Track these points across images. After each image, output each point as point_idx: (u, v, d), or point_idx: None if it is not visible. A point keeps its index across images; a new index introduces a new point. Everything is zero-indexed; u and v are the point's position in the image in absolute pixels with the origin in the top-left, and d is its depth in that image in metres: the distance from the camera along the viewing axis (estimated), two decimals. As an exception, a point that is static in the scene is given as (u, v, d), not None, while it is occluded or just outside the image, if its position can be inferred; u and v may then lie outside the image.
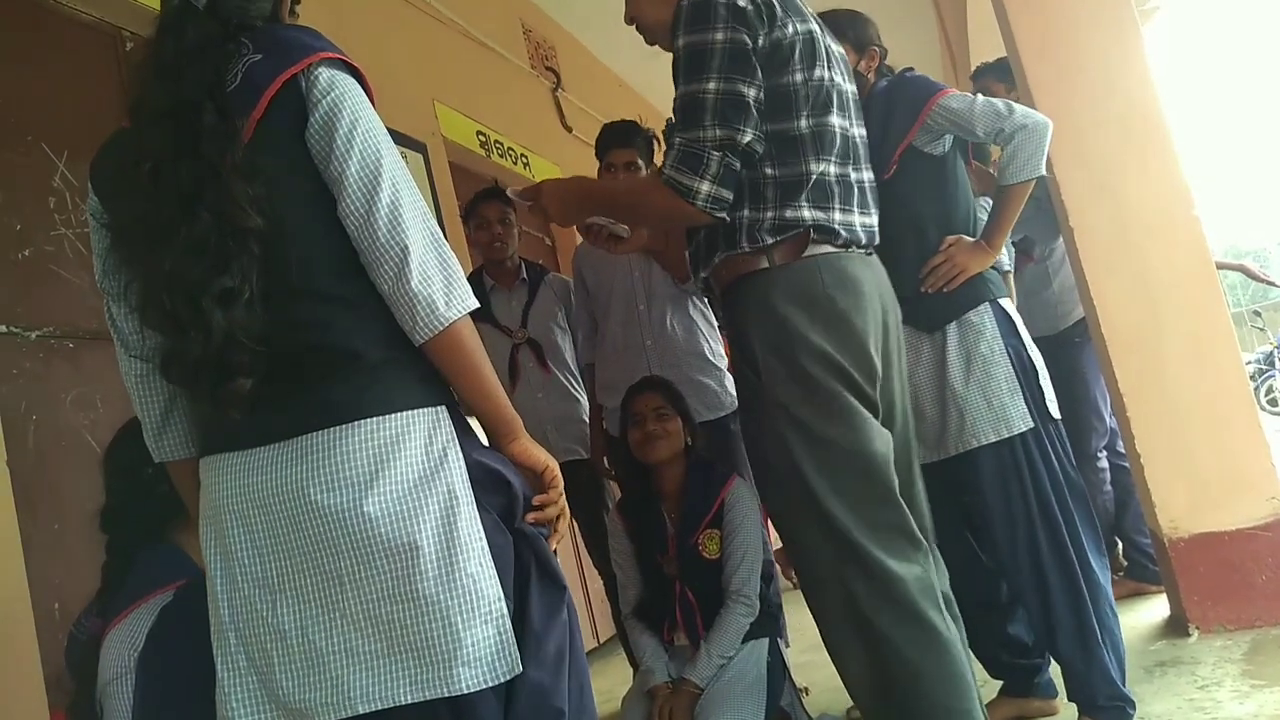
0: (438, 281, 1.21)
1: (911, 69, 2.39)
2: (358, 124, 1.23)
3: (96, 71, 2.76)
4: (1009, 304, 2.31)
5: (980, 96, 2.24)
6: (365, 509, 1.17)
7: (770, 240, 1.62)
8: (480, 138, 4.67)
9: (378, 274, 1.21)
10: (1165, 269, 2.91)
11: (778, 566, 2.93)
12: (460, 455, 1.24)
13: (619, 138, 3.05)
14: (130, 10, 2.82)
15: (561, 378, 3.29)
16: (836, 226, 1.65)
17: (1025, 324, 2.25)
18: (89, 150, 2.54)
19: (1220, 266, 4.69)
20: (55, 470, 2.26)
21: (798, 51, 1.59)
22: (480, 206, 3.25)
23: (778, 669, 2.50)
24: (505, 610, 1.21)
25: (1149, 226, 2.93)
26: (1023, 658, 2.34)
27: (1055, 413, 2.25)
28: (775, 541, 3.44)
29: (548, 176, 5.30)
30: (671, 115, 1.65)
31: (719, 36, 1.55)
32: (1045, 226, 3.35)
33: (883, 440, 1.60)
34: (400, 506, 1.18)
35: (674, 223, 1.80)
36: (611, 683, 3.50)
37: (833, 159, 1.66)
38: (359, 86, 1.28)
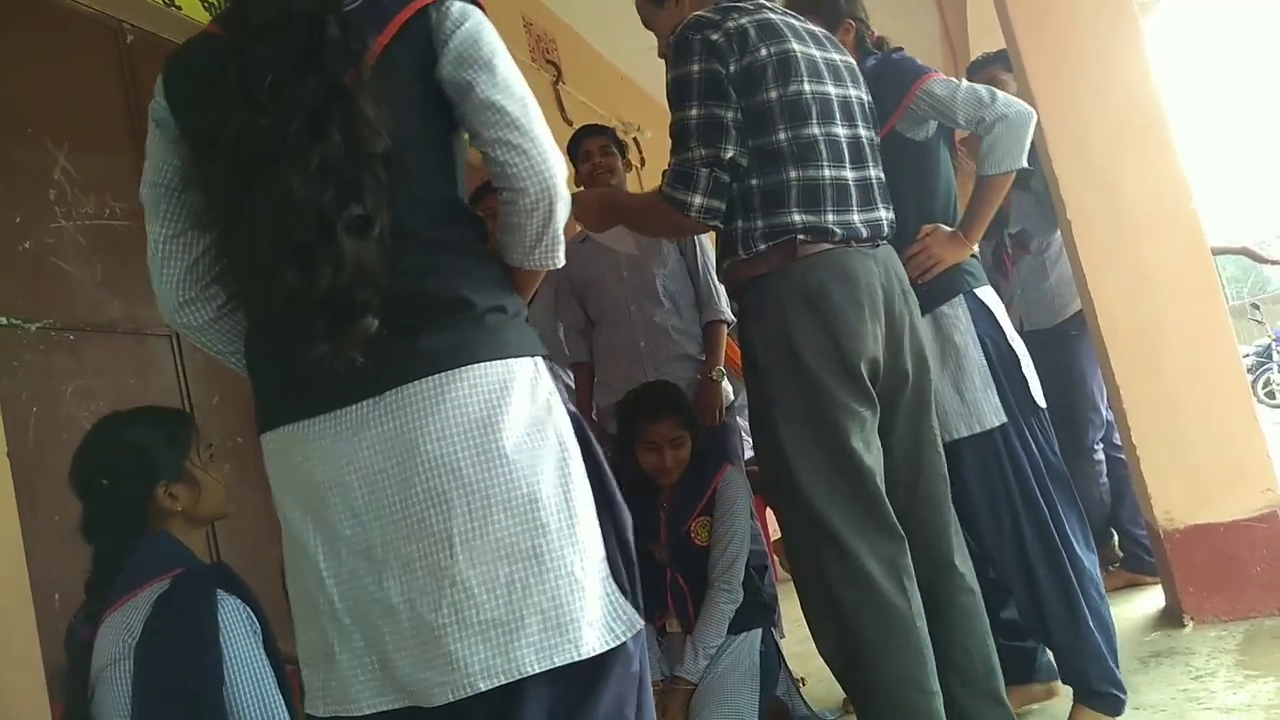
0: (564, 224, 1.25)
1: (900, 49, 2.34)
2: (497, 53, 1.21)
3: (98, 64, 2.76)
4: (988, 293, 2.27)
5: (964, 82, 2.19)
6: (503, 447, 1.12)
7: (763, 246, 1.76)
8: (480, 130, 4.64)
9: (524, 204, 1.20)
10: (1163, 262, 2.91)
11: (775, 557, 2.94)
12: (562, 404, 1.22)
13: (590, 129, 3.25)
14: (132, 3, 2.82)
15: (558, 372, 3.30)
16: (831, 226, 1.76)
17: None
18: (90, 143, 2.58)
19: (1222, 251, 4.68)
20: (55, 461, 2.26)
21: (770, 71, 1.74)
22: (487, 198, 3.25)
23: (773, 659, 2.52)
24: (608, 570, 1.17)
25: (1147, 219, 2.93)
26: (1017, 640, 2.32)
27: (1040, 401, 2.23)
28: (774, 533, 3.45)
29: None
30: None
31: (695, 68, 1.74)
32: (1043, 219, 3.35)
33: (863, 437, 1.72)
34: (519, 454, 1.13)
35: (678, 233, 2.03)
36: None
37: (822, 164, 1.77)
38: (489, 21, 1.24)
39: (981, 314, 2.22)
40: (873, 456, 1.73)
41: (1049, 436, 2.25)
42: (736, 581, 2.50)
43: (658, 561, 2.59)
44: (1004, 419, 2.16)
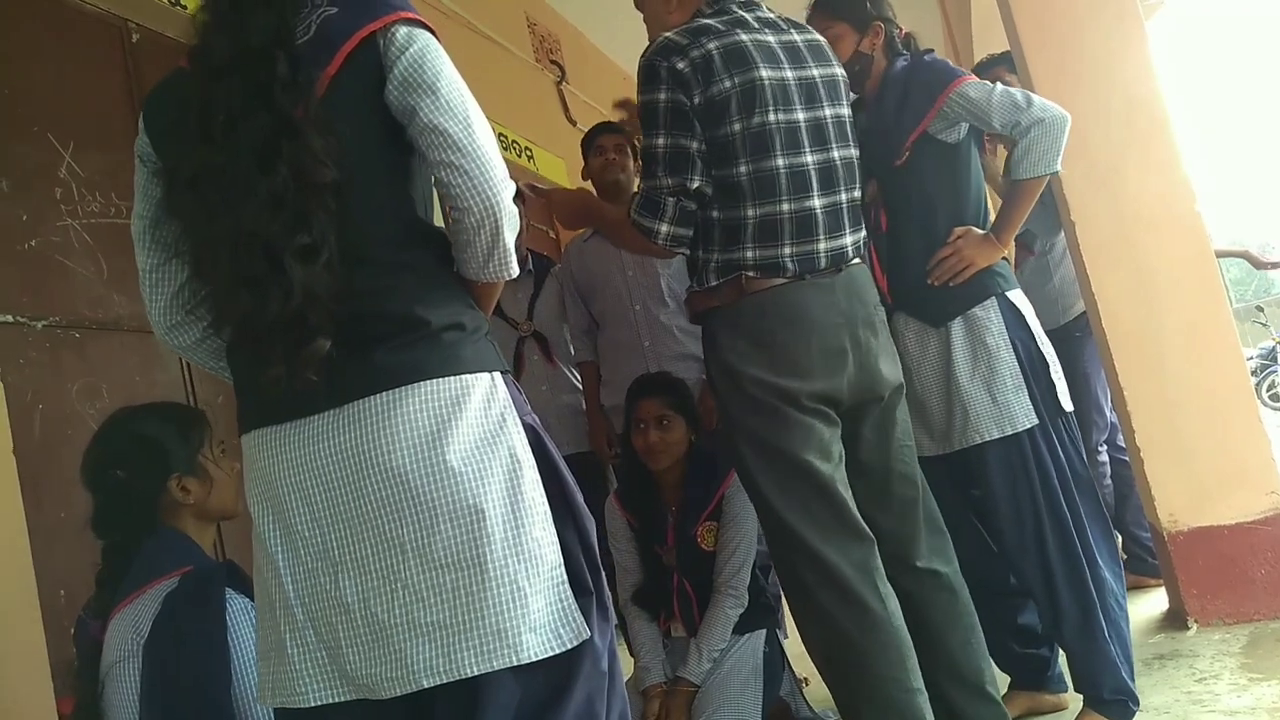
0: (513, 239, 1.28)
1: (931, 50, 2.34)
2: (440, 75, 1.22)
3: (103, 63, 2.77)
4: (1019, 296, 2.27)
5: (999, 86, 2.17)
6: (448, 460, 1.16)
7: (715, 281, 1.81)
8: (484, 130, 4.65)
9: (470, 222, 1.23)
10: (1166, 263, 2.91)
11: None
12: (518, 419, 1.25)
13: (608, 125, 3.27)
14: (136, 2, 2.83)
15: (565, 370, 3.30)
16: (785, 261, 1.78)
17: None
18: (95, 141, 2.59)
19: (1222, 254, 4.68)
20: (61, 458, 2.28)
21: (733, 104, 1.74)
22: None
23: (776, 660, 2.52)
24: (564, 576, 1.21)
25: (1150, 221, 2.93)
26: (1032, 647, 2.33)
27: (1067, 405, 2.23)
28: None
29: (552, 170, 5.32)
30: None
31: (662, 97, 1.75)
32: (1046, 221, 3.35)
33: (819, 448, 1.75)
34: (465, 467, 1.17)
35: (648, 254, 2.03)
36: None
37: (782, 198, 1.77)
38: (438, 42, 1.26)
39: (1012, 317, 2.22)
40: (832, 465, 1.76)
41: (1076, 442, 2.24)
42: (742, 587, 2.50)
43: (665, 566, 2.59)
44: (1035, 421, 2.16)
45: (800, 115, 1.81)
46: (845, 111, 1.91)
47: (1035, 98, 2.16)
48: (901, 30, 2.36)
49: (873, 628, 1.69)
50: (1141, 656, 2.60)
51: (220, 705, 1.48)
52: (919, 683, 1.70)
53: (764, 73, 1.76)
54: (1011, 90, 2.16)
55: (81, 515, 1.68)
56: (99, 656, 1.57)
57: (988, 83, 2.20)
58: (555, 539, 1.22)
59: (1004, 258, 2.28)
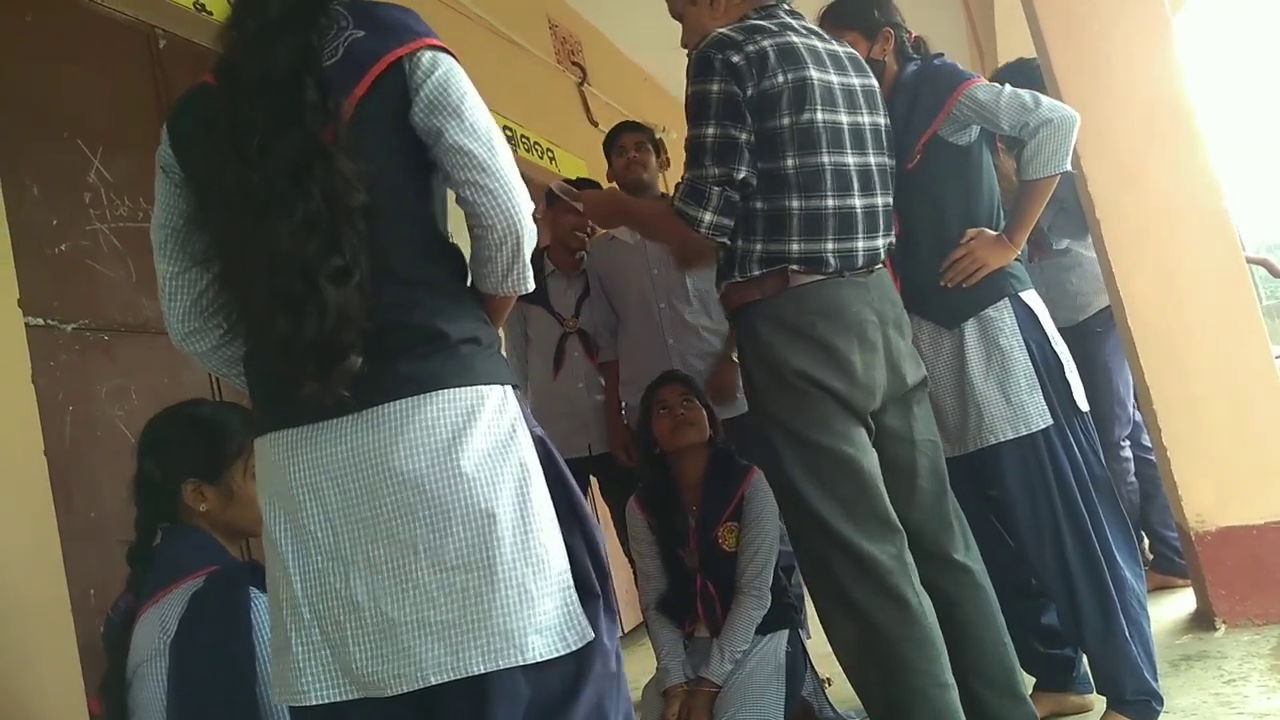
0: (530, 254, 1.33)
1: (942, 55, 2.35)
2: (465, 98, 1.26)
3: (130, 69, 2.80)
4: (1032, 296, 2.27)
5: (1008, 87, 2.18)
6: (462, 466, 1.20)
7: (758, 272, 1.82)
8: (506, 132, 4.66)
9: (493, 239, 1.27)
10: (1193, 261, 2.89)
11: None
12: (527, 430, 1.29)
13: (628, 124, 3.31)
14: (164, 8, 2.87)
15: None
16: (827, 256, 1.81)
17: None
18: (124, 146, 2.63)
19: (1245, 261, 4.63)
20: (90, 460, 2.31)
21: (785, 99, 1.77)
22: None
23: (799, 660, 2.52)
24: (570, 581, 1.24)
25: (1176, 218, 2.91)
26: (1056, 648, 2.33)
27: (1083, 405, 2.23)
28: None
29: (573, 171, 5.32)
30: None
31: (715, 88, 1.77)
32: (1071, 224, 3.31)
33: (859, 442, 1.78)
34: (479, 473, 1.21)
35: (687, 245, 2.01)
36: (634, 672, 3.51)
37: (827, 193, 1.81)
38: (460, 67, 1.31)
39: (1026, 317, 2.23)
40: (870, 459, 1.79)
41: (1093, 442, 2.24)
42: (765, 587, 2.51)
43: (688, 568, 2.60)
44: (1050, 421, 2.16)
45: (844, 118, 1.85)
46: (883, 121, 1.96)
47: (1044, 99, 2.16)
48: (911, 34, 2.37)
49: (910, 622, 1.70)
50: (1168, 658, 2.58)
51: (246, 704, 1.50)
52: (951, 678, 1.71)
53: (813, 73, 1.81)
54: (1020, 92, 2.17)
55: (111, 516, 1.71)
56: (125, 654, 1.59)
57: (996, 85, 2.21)
58: (562, 545, 1.26)
59: (1017, 258, 2.27)
